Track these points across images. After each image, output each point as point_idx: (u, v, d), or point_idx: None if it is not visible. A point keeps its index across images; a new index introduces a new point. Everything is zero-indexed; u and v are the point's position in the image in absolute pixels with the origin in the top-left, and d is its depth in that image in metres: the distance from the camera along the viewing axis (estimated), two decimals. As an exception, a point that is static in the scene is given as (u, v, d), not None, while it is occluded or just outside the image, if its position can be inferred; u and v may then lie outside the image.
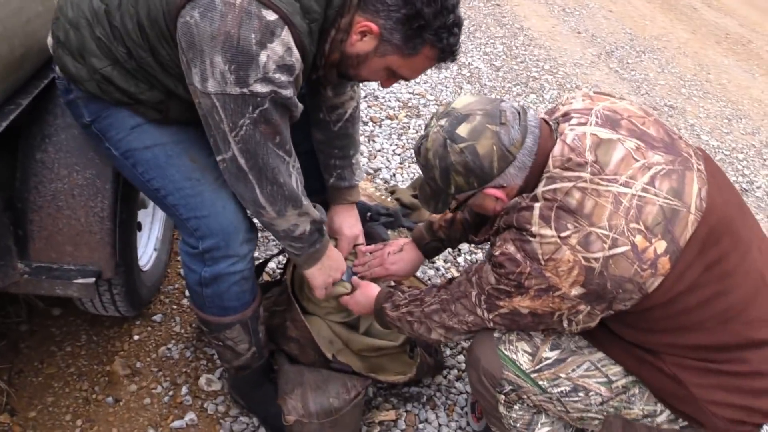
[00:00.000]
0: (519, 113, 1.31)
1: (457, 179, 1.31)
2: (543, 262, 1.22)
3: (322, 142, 1.84)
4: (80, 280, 1.64)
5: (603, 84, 4.54)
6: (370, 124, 3.60)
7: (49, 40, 1.48)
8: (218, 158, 1.36)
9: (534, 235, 1.23)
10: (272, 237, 2.59)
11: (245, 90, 1.23)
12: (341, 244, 1.87)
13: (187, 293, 2.27)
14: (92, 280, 1.65)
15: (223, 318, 1.64)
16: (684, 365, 1.26)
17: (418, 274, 2.52)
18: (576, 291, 1.22)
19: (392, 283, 1.76)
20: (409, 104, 3.83)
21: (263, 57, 1.21)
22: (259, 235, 2.59)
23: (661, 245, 1.19)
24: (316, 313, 1.97)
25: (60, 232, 1.62)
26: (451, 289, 1.45)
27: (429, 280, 2.51)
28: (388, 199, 2.78)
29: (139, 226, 2.19)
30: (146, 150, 1.46)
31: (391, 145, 3.42)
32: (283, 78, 1.24)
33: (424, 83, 4.11)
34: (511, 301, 1.29)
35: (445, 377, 2.08)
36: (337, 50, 1.38)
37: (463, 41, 5.00)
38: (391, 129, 3.59)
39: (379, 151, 3.39)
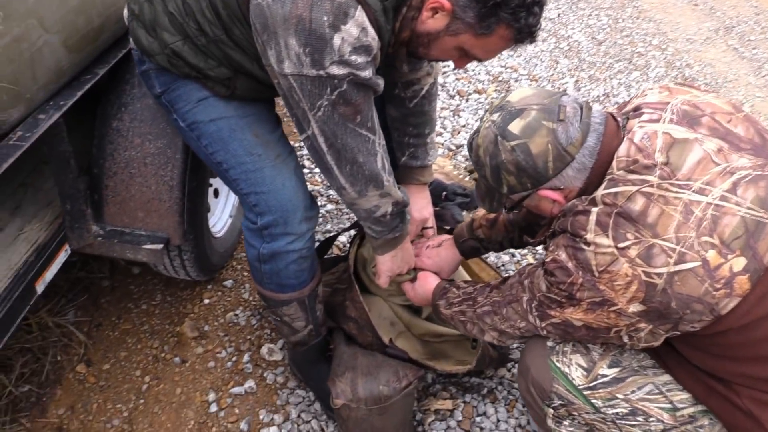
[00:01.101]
0: (581, 109, 1.24)
1: (508, 179, 1.26)
2: (597, 274, 1.14)
3: (396, 119, 1.81)
4: (149, 246, 1.69)
5: (718, 63, 4.17)
6: (457, 97, 3.51)
7: (125, 12, 1.51)
8: (302, 137, 1.36)
9: (588, 243, 1.16)
10: (346, 209, 2.59)
11: (321, 72, 1.21)
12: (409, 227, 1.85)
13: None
14: (160, 246, 1.70)
15: (280, 294, 1.65)
16: (762, 401, 1.14)
17: (492, 258, 2.46)
18: (634, 308, 1.13)
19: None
20: (500, 78, 3.69)
21: (337, 40, 1.19)
22: (332, 207, 2.61)
23: (738, 262, 1.08)
24: (378, 293, 1.96)
25: (132, 198, 1.67)
26: (503, 291, 1.40)
27: (502, 266, 2.43)
28: (467, 179, 2.70)
29: (216, 193, 2.25)
30: (211, 123, 1.47)
31: (476, 120, 3.31)
32: (360, 59, 1.22)
33: (518, 56, 3.94)
34: (562, 312, 1.22)
35: (509, 370, 2.01)
36: (407, 28, 1.33)
37: (564, 12, 4.76)
38: (478, 104, 3.48)
39: (464, 126, 3.31)
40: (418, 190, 1.86)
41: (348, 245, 2.38)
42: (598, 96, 3.62)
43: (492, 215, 1.76)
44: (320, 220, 2.62)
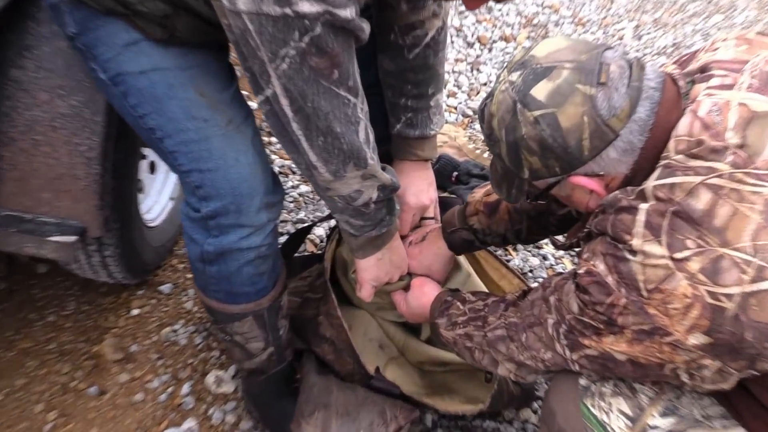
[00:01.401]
0: (629, 68, 1.23)
1: (530, 160, 1.26)
2: (645, 294, 1.14)
3: (390, 74, 1.82)
4: (58, 238, 1.69)
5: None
6: (477, 46, 3.52)
7: None
8: (258, 99, 1.37)
9: (634, 252, 1.16)
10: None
11: (287, 10, 1.20)
12: (402, 216, 1.90)
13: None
14: (73, 238, 1.70)
15: (231, 306, 1.68)
16: None
17: (516, 261, 2.47)
18: (696, 339, 1.13)
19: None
20: (535, 21, 3.70)
21: None
22: (307, 189, 2.62)
23: None
24: (363, 306, 1.98)
25: (35, 173, 1.66)
26: (522, 310, 1.40)
27: (530, 272, 2.46)
28: (485, 155, 2.73)
29: (153, 167, 2.26)
30: (142, 76, 1.47)
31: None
32: None
33: (560, -8, 3.96)
34: (600, 342, 1.22)
35: (535, 412, 2.04)
36: None
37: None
38: (504, 55, 3.50)
39: (485, 84, 3.32)
40: (417, 169, 1.90)
41: (325, 241, 2.40)
42: (664, 47, 3.63)
43: (492, 198, 1.79)
44: (290, 205, 2.65)
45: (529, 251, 2.56)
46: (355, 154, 1.42)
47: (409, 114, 1.84)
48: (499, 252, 2.52)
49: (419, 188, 1.89)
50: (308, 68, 1.27)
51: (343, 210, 1.55)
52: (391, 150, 1.91)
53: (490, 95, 1.32)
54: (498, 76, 1.32)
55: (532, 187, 1.34)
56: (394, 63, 1.79)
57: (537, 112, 1.23)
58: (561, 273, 1.39)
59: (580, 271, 1.23)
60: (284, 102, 1.33)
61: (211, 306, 1.70)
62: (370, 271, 1.72)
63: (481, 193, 1.84)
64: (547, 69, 1.23)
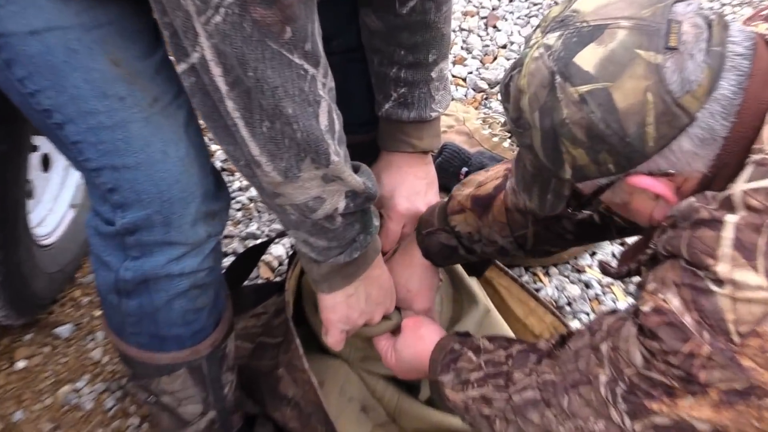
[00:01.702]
0: (709, 27, 1.24)
1: (573, 153, 1.27)
2: (737, 339, 1.15)
3: (376, 35, 1.84)
4: None
5: None
6: (493, -7, 3.58)
7: None
8: (179, 68, 1.37)
9: (720, 281, 1.16)
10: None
11: None
12: (388, 227, 1.93)
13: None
14: None
15: (156, 355, 1.69)
16: None
17: (549, 290, 2.48)
18: None
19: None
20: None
21: None
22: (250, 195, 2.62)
23: None
24: (342, 354, 1.98)
25: None
26: (562, 362, 1.40)
27: (568, 305, 2.46)
28: (507, 144, 2.74)
29: (47, 163, 2.26)
30: (32, 38, 1.47)
31: (526, 28, 3.37)
32: None
33: None
34: (674, 406, 1.22)
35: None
36: None
37: None
38: (532, 6, 3.52)
39: (504, 47, 3.36)
40: (412, 164, 1.93)
41: (287, 264, 2.38)
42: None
43: (483, 191, 1.83)
44: (237, 215, 2.65)
45: (566, 276, 2.56)
46: (312, 147, 1.42)
47: (401, 89, 1.86)
48: (525, 278, 2.53)
49: (414, 189, 1.93)
50: (250, 23, 1.28)
51: (299, 225, 1.55)
52: (378, 138, 1.93)
53: (518, 65, 1.32)
54: (528, 38, 1.33)
55: (575, 191, 1.35)
56: (382, 20, 1.81)
57: (583, 88, 1.23)
58: (615, 311, 1.39)
59: (645, 309, 1.24)
60: (216, 71, 1.33)
61: (128, 355, 1.70)
62: (338, 311, 1.72)
63: (472, 184, 1.86)
64: (597, 29, 1.25)
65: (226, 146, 1.45)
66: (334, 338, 1.76)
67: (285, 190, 1.47)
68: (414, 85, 1.86)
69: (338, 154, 1.46)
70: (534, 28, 1.32)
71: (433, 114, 1.89)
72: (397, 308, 1.83)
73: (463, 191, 1.85)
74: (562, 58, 1.25)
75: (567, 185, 1.34)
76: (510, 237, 1.78)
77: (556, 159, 1.30)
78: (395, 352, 1.78)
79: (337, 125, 1.45)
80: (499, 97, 3.05)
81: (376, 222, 1.65)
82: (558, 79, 1.25)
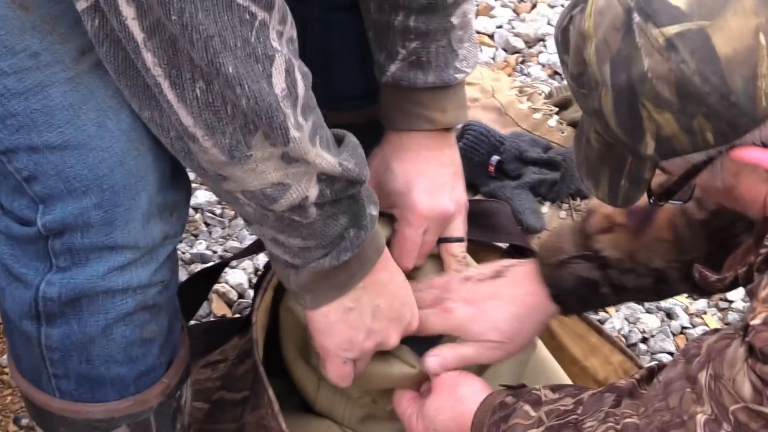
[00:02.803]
0: None
1: (658, 120, 1.28)
2: None
3: None
4: None
5: None
6: None
7: None
8: (78, 5, 1.40)
9: None
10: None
11: None
12: (403, 232, 1.94)
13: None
14: None
15: (86, 406, 1.71)
16: None
17: (616, 323, 2.50)
18: None
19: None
20: None
21: None
22: (208, 198, 2.65)
23: None
24: (329, 413, 2.01)
25: None
26: (647, 401, 1.43)
27: (643, 342, 2.49)
28: (551, 122, 2.76)
29: None
30: None
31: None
32: None
33: None
34: None
35: None
36: None
37: None
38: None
39: None
40: (431, 146, 1.95)
41: (252, 294, 2.43)
42: None
43: (637, 207, 1.75)
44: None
45: (640, 303, 2.58)
46: (264, 118, 1.44)
47: (412, 43, 1.88)
48: None
49: (437, 181, 1.94)
50: None
51: (261, 219, 1.58)
52: (381, 114, 1.96)
53: (581, 1, 1.34)
54: None
55: (661, 172, 1.37)
56: None
57: (672, 29, 1.25)
58: (717, 330, 1.41)
59: (756, 322, 1.26)
60: (128, 11, 1.36)
61: (47, 408, 1.72)
62: (334, 333, 1.73)
63: (605, 208, 1.83)
64: None
65: (149, 112, 1.47)
66: (335, 372, 1.77)
67: (233, 172, 1.50)
68: (429, 36, 1.86)
69: (300, 127, 1.47)
70: None
71: (459, 75, 1.90)
72: (418, 356, 1.83)
73: (598, 208, 1.83)
74: None
75: (648, 165, 1.36)
76: (676, 262, 1.77)
77: (634, 128, 1.31)
78: (423, 419, 1.76)
79: (301, 88, 1.46)
80: (545, 57, 3.10)
81: (374, 211, 1.65)
82: (637, 17, 1.27)
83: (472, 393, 1.73)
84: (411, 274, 1.93)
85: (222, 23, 1.35)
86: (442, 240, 1.96)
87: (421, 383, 1.84)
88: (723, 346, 1.34)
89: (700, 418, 1.35)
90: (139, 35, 1.37)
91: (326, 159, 1.53)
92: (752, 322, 1.27)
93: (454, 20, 1.87)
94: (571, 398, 1.58)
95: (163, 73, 1.40)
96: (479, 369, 1.97)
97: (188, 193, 1.68)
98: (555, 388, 1.64)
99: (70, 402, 1.69)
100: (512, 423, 1.60)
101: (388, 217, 1.92)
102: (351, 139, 1.61)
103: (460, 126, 1.96)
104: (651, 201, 1.43)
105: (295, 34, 1.46)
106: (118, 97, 1.55)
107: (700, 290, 1.80)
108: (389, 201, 1.92)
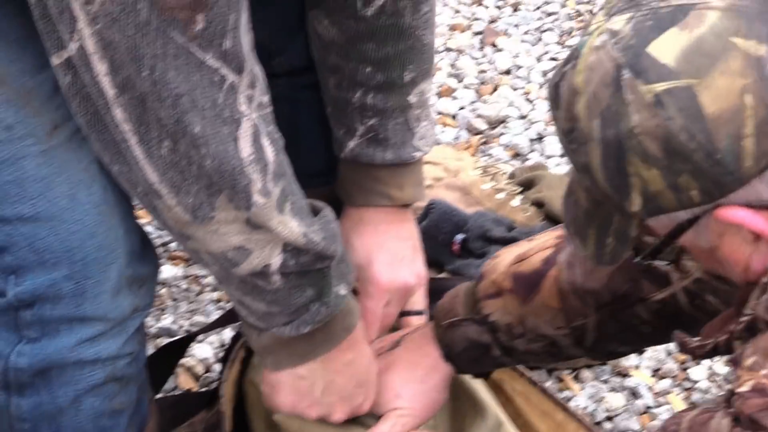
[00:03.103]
0: None
1: (645, 176, 1.28)
2: None
3: (333, 47, 1.88)
4: None
5: None
6: None
7: None
8: (53, 61, 1.40)
9: None
10: (206, 282, 2.68)
11: None
12: (365, 305, 1.94)
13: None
14: None
15: None
16: None
17: (581, 401, 2.50)
18: None
19: None
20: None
21: None
22: (178, 270, 2.65)
23: None
24: None
25: None
26: None
27: (608, 420, 2.49)
28: (514, 202, 2.79)
29: None
30: None
31: (537, 46, 3.48)
32: None
33: None
34: None
35: None
36: None
37: None
38: (546, 16, 3.55)
39: (506, 73, 3.36)
40: (390, 221, 1.97)
41: (219, 368, 2.43)
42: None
43: (528, 267, 1.82)
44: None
45: (604, 382, 2.59)
46: (227, 180, 1.45)
47: (371, 120, 1.90)
48: (549, 383, 2.53)
49: (396, 255, 1.95)
50: (147, 5, 1.31)
51: (225, 279, 1.60)
52: (339, 189, 1.98)
53: (573, 57, 1.34)
54: (588, 24, 1.35)
55: (646, 231, 1.37)
56: (339, 26, 1.86)
57: (660, 86, 1.25)
58: (695, 405, 1.38)
59: (743, 389, 1.25)
60: (100, 68, 1.36)
61: None
62: (280, 394, 1.76)
63: (510, 257, 1.86)
64: (679, 10, 1.27)
65: (118, 166, 1.46)
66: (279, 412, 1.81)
67: (195, 232, 1.50)
68: (386, 114, 1.89)
69: (267, 193, 1.48)
70: (597, 9, 1.33)
71: (416, 154, 1.92)
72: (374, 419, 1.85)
73: (499, 267, 1.85)
74: (632, 47, 1.27)
75: (634, 222, 1.35)
76: (565, 329, 1.79)
77: (620, 184, 1.31)
78: None
79: (270, 155, 1.47)
80: (509, 136, 3.12)
81: (342, 290, 1.66)
82: (626, 74, 1.27)
83: None
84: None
85: (191, 83, 1.37)
86: (404, 313, 1.98)
87: None
88: (705, 419, 1.33)
89: None
90: (110, 91, 1.37)
91: (291, 228, 1.53)
92: (738, 390, 1.26)
93: (412, 99, 1.89)
94: None
95: (131, 129, 1.40)
96: None
97: (157, 266, 1.70)
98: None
99: None
100: None
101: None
102: (327, 213, 1.62)
103: (421, 204, 1.97)
104: (637, 260, 1.43)
105: (266, 99, 1.47)
106: (91, 170, 1.57)
107: (595, 355, 1.86)
108: None
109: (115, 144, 1.43)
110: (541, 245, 1.86)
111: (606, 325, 1.77)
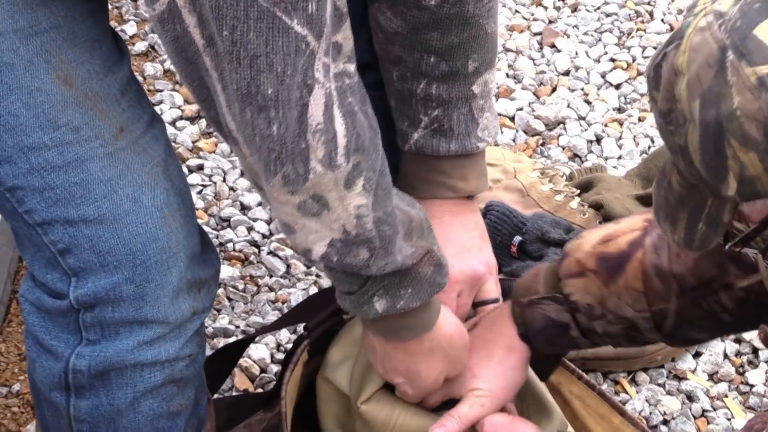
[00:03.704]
0: None
1: (743, 159, 1.26)
2: None
3: (396, 38, 1.88)
4: None
5: None
6: None
7: None
8: (149, 12, 1.41)
9: None
10: (263, 282, 2.71)
11: None
12: (438, 298, 1.90)
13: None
14: None
15: None
16: None
17: (637, 404, 2.49)
18: None
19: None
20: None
21: None
22: (234, 271, 2.67)
23: None
24: None
25: None
26: None
27: (664, 424, 2.48)
28: (573, 204, 2.79)
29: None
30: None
31: (596, 47, 3.47)
32: None
33: None
34: None
35: None
36: None
37: None
38: (600, 16, 3.54)
39: (565, 74, 3.35)
40: (456, 212, 1.97)
41: (274, 367, 2.46)
42: None
43: (613, 248, 1.81)
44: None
45: (661, 385, 2.58)
46: (289, 150, 1.44)
47: (435, 111, 1.90)
48: (605, 387, 2.53)
49: (464, 245, 1.95)
50: None
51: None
52: (402, 181, 1.97)
53: (676, 38, 1.33)
54: (692, 5, 1.34)
55: (739, 217, 1.37)
56: (402, 16, 1.85)
57: (765, 69, 1.23)
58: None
59: None
60: (189, 20, 1.38)
61: None
62: (381, 359, 1.80)
63: (595, 237, 1.85)
64: None
65: (207, 111, 1.48)
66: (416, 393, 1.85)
67: (264, 187, 1.51)
68: (450, 104, 1.89)
69: (331, 165, 1.47)
70: None
71: (480, 144, 1.92)
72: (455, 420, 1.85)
73: (584, 247, 1.85)
74: (737, 29, 1.25)
75: (728, 207, 1.34)
76: (646, 312, 1.78)
77: (717, 166, 1.29)
78: None
79: (340, 126, 1.46)
80: (573, 132, 3.13)
81: (444, 264, 1.71)
82: (730, 56, 1.25)
83: None
84: None
85: (271, 46, 1.37)
86: (477, 304, 1.98)
87: None
88: None
89: None
90: (200, 42, 1.38)
91: (347, 206, 1.52)
92: None
93: (475, 89, 1.89)
94: None
95: (217, 78, 1.41)
96: None
97: (217, 270, 1.71)
98: None
99: None
100: None
101: None
102: (409, 202, 1.67)
103: (480, 205, 1.96)
104: (726, 247, 1.42)
105: (351, 68, 1.47)
106: (154, 174, 1.59)
107: (672, 341, 1.85)
108: None
109: (207, 89, 1.44)
110: (628, 227, 1.84)
111: (687, 310, 1.77)
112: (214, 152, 3.02)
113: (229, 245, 2.77)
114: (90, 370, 1.63)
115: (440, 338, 1.76)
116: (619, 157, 3.15)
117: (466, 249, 1.94)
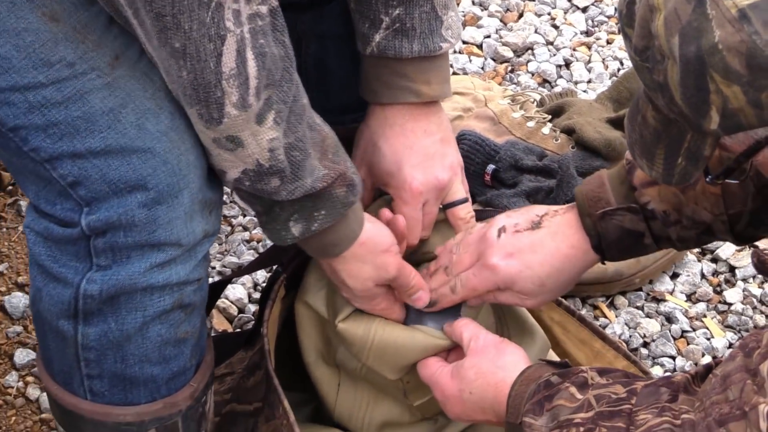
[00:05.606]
0: None
1: (726, 92, 1.26)
2: None
3: None
4: None
5: None
6: None
7: None
8: None
9: None
10: (237, 222, 2.74)
11: None
12: (401, 211, 1.97)
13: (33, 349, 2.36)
14: None
15: (117, 409, 1.74)
16: None
17: (616, 328, 2.50)
18: None
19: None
20: None
21: None
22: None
23: None
24: (348, 420, 2.02)
25: None
26: (703, 395, 1.43)
27: (644, 346, 2.51)
28: (545, 130, 2.81)
29: None
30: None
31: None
32: None
33: None
34: None
35: None
36: None
37: None
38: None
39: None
40: (418, 118, 1.96)
41: (252, 307, 2.49)
42: None
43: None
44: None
45: (640, 308, 2.62)
46: (202, 97, 1.51)
47: (396, 10, 1.88)
48: (583, 312, 2.55)
49: (426, 152, 1.95)
50: None
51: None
52: (362, 86, 1.97)
53: None
54: None
55: (721, 150, 1.36)
56: None
57: (746, 0, 1.23)
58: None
59: None
60: None
61: (77, 412, 1.74)
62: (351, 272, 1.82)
63: None
64: None
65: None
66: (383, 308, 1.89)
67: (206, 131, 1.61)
68: (412, 1, 1.87)
69: (243, 106, 1.53)
70: None
71: (444, 45, 1.90)
72: (440, 328, 1.88)
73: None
74: None
75: (710, 141, 1.34)
76: (723, 215, 1.78)
77: (699, 101, 1.28)
78: (460, 379, 1.78)
79: (253, 68, 1.51)
80: (541, 57, 3.14)
81: (358, 186, 1.74)
82: None
83: (515, 363, 1.75)
84: (420, 247, 1.98)
85: (179, 7, 1.42)
86: (446, 206, 1.98)
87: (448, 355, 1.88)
88: None
89: (763, 409, 1.33)
90: None
91: (261, 141, 1.59)
92: None
93: None
94: (622, 386, 1.57)
95: (132, 14, 1.49)
96: None
97: (222, 194, 1.73)
98: (602, 372, 1.65)
99: (100, 404, 1.72)
100: (556, 404, 1.61)
101: (385, 196, 1.99)
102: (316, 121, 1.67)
103: (446, 98, 1.98)
104: (708, 179, 1.42)
105: (263, 9, 1.49)
106: (157, 98, 1.62)
107: (740, 240, 1.84)
108: (382, 181, 1.97)
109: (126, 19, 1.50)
110: None
111: (761, 211, 1.77)
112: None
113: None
114: (101, 294, 1.64)
115: (355, 248, 1.78)
116: (589, 81, 3.16)
117: (428, 157, 1.93)
